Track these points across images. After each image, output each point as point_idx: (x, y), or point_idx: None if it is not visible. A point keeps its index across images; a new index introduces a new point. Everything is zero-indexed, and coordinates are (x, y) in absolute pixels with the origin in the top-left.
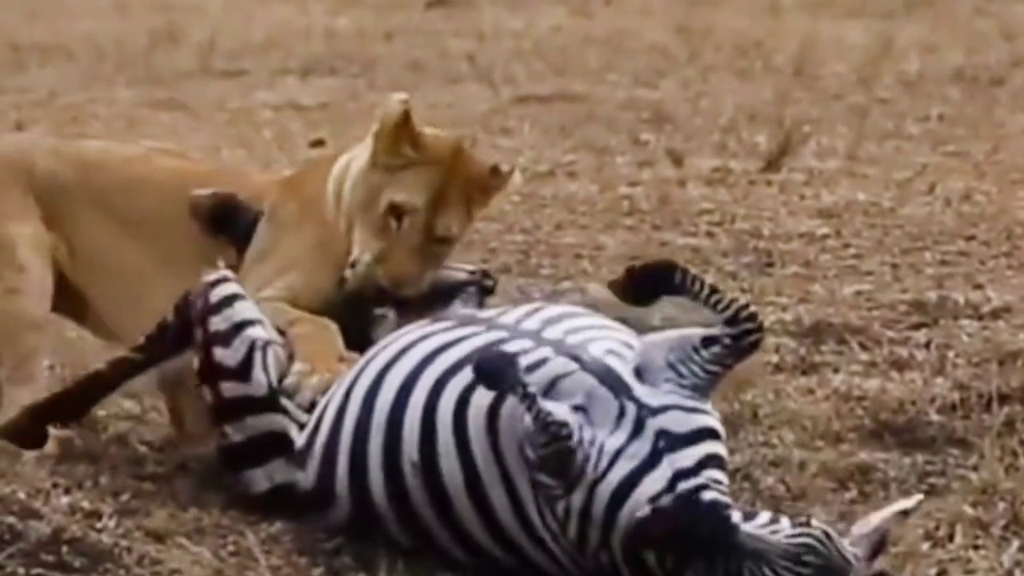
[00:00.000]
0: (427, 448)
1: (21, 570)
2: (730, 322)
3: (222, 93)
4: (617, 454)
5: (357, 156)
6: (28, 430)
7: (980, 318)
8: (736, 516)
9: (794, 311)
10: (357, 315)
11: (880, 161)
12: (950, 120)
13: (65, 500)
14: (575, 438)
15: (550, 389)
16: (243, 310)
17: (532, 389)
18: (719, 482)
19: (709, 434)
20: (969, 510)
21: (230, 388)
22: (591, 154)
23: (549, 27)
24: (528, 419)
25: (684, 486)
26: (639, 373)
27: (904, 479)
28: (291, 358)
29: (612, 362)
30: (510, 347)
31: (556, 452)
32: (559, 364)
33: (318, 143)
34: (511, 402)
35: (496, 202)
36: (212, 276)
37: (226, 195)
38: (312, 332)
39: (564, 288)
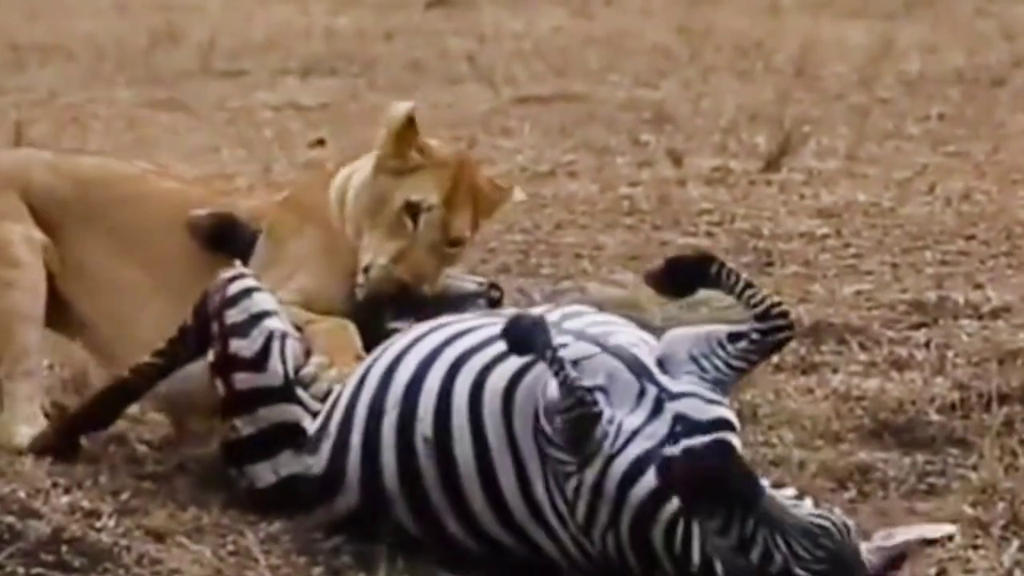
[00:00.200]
0: (441, 426)
1: (21, 569)
2: (761, 317)
3: (222, 93)
4: (634, 433)
5: (359, 168)
6: (58, 444)
7: (980, 318)
8: (765, 481)
9: (794, 311)
10: (373, 328)
11: (880, 161)
12: (950, 120)
13: (65, 499)
14: (600, 406)
15: (579, 363)
16: (261, 301)
17: (561, 353)
18: None
19: (726, 425)
20: (969, 510)
21: (244, 379)
22: (591, 154)
23: (549, 27)
24: (552, 387)
25: None
26: (661, 364)
27: (904, 479)
28: (308, 354)
29: (634, 350)
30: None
31: (580, 417)
32: (581, 347)
33: (318, 143)
34: (527, 383)
35: (499, 215)
36: (230, 272)
37: (224, 214)
38: (331, 328)
39: (564, 288)
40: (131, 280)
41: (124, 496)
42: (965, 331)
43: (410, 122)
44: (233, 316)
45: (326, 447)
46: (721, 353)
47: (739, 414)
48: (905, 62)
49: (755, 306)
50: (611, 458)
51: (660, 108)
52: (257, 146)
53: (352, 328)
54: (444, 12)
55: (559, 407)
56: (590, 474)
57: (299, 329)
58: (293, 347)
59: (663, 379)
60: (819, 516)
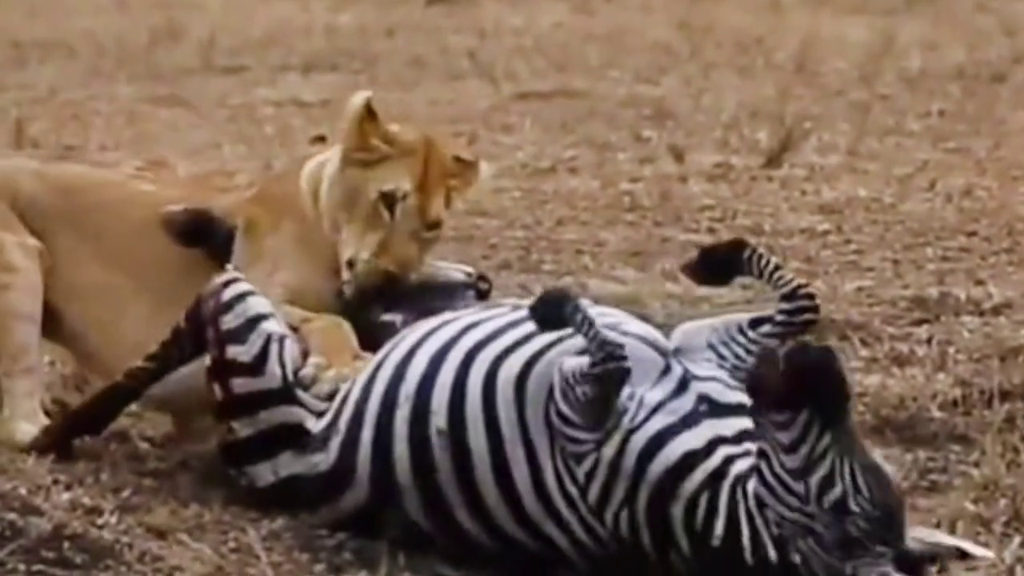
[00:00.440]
0: (456, 417)
1: (22, 566)
2: (787, 297)
3: (223, 89)
4: (657, 407)
5: (329, 159)
6: (52, 447)
7: (981, 314)
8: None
9: None
10: (363, 323)
11: (881, 157)
12: (951, 116)
13: (66, 496)
14: (629, 363)
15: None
16: (256, 305)
17: (591, 314)
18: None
19: (747, 411)
20: (970, 506)
21: (242, 384)
22: (592, 150)
23: (550, 23)
24: (570, 363)
25: (724, 452)
26: (678, 353)
27: (905, 475)
28: (305, 354)
29: (655, 333)
30: None
31: (610, 372)
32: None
33: (319, 139)
34: (538, 371)
35: (472, 192)
36: (224, 277)
37: (199, 210)
38: (326, 327)
39: (565, 284)
40: (115, 284)
41: (125, 493)
42: (966, 327)
43: (369, 112)
44: (229, 321)
45: (335, 444)
46: (741, 339)
47: None
48: (906, 58)
49: (783, 287)
50: (630, 433)
51: (661, 104)
52: (258, 142)
53: (347, 326)
54: (445, 8)
55: (588, 363)
56: (608, 450)
57: (294, 329)
58: (291, 349)
59: (688, 362)
60: (883, 462)
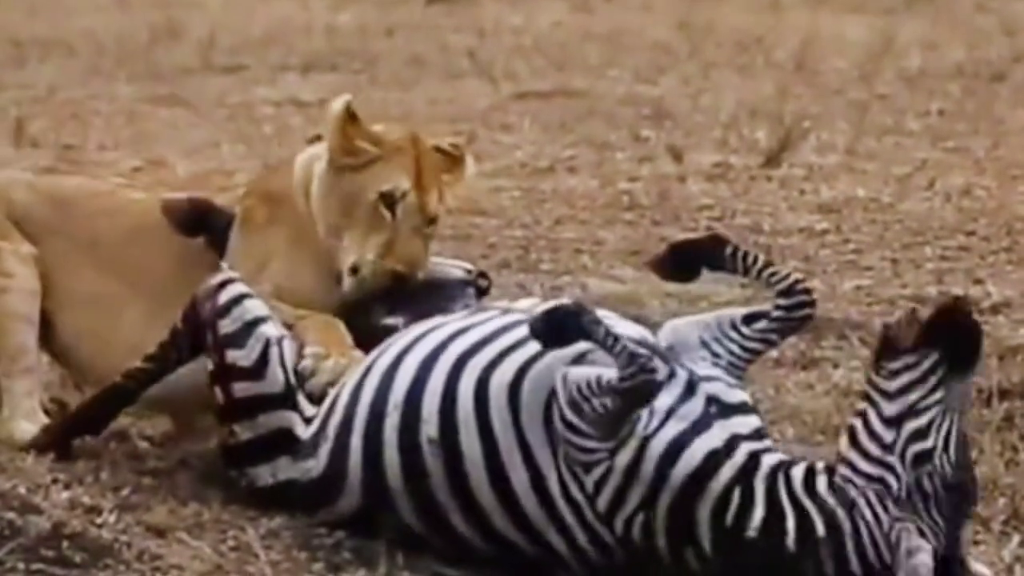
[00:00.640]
0: (447, 425)
1: (21, 565)
2: (785, 293)
3: (222, 89)
4: (669, 413)
5: (319, 155)
6: (52, 446)
7: (980, 313)
8: None
9: None
10: (364, 326)
11: (880, 156)
12: (950, 116)
13: (65, 495)
14: (660, 372)
15: (588, 355)
16: (253, 308)
17: (608, 323)
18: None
19: (751, 408)
20: None
21: (243, 388)
22: (591, 150)
23: (549, 23)
24: (575, 374)
25: (746, 448)
26: (670, 351)
27: None
28: (301, 349)
29: (651, 338)
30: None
31: (642, 384)
32: None
33: (318, 139)
34: (532, 376)
35: (462, 187)
36: (218, 278)
37: (200, 199)
38: (320, 323)
39: (564, 283)
40: (108, 292)
41: (125, 492)
42: None
43: (351, 116)
44: (227, 326)
45: (324, 450)
46: (735, 336)
47: None
48: (905, 58)
49: (778, 283)
50: (646, 439)
51: (660, 104)
52: (257, 142)
53: (340, 324)
54: (444, 8)
55: (616, 376)
56: (623, 458)
57: (289, 327)
58: (289, 348)
59: (688, 363)
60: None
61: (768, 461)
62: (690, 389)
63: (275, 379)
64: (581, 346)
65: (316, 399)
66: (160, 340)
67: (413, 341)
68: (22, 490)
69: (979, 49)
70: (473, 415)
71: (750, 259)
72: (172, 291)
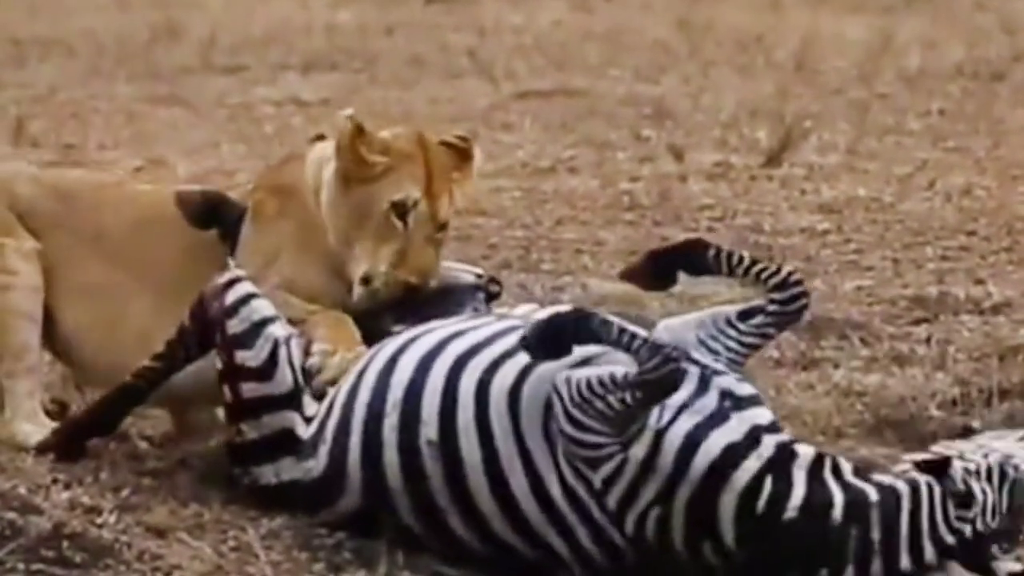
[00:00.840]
0: (447, 427)
1: (21, 565)
2: (780, 287)
3: (223, 89)
4: (682, 408)
5: (328, 158)
6: (63, 448)
7: (981, 313)
8: None
9: None
10: (373, 333)
11: (881, 156)
12: (950, 115)
13: (65, 496)
14: (683, 362)
15: (596, 358)
16: (260, 308)
17: (621, 322)
18: None
19: (760, 401)
20: None
21: (251, 389)
22: (592, 149)
23: (550, 22)
24: (577, 376)
25: (773, 440)
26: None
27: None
28: (309, 346)
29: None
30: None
31: (668, 374)
32: None
33: (319, 139)
34: (532, 381)
35: (471, 185)
36: (225, 277)
37: (213, 191)
38: (330, 319)
39: (565, 283)
40: (113, 284)
41: (125, 492)
42: (966, 327)
43: (358, 130)
44: (235, 327)
45: (323, 451)
46: (732, 332)
47: None
48: (905, 57)
49: (769, 278)
50: (660, 433)
51: (661, 103)
52: (257, 142)
53: (350, 320)
54: (444, 7)
55: (637, 369)
56: (638, 450)
57: (299, 323)
58: (297, 348)
59: (698, 357)
60: None
61: (806, 450)
62: (703, 383)
63: (283, 380)
64: (581, 352)
65: (322, 396)
66: (168, 338)
67: (408, 342)
68: (22, 490)
69: (979, 48)
70: (473, 420)
71: (735, 259)
72: (178, 283)
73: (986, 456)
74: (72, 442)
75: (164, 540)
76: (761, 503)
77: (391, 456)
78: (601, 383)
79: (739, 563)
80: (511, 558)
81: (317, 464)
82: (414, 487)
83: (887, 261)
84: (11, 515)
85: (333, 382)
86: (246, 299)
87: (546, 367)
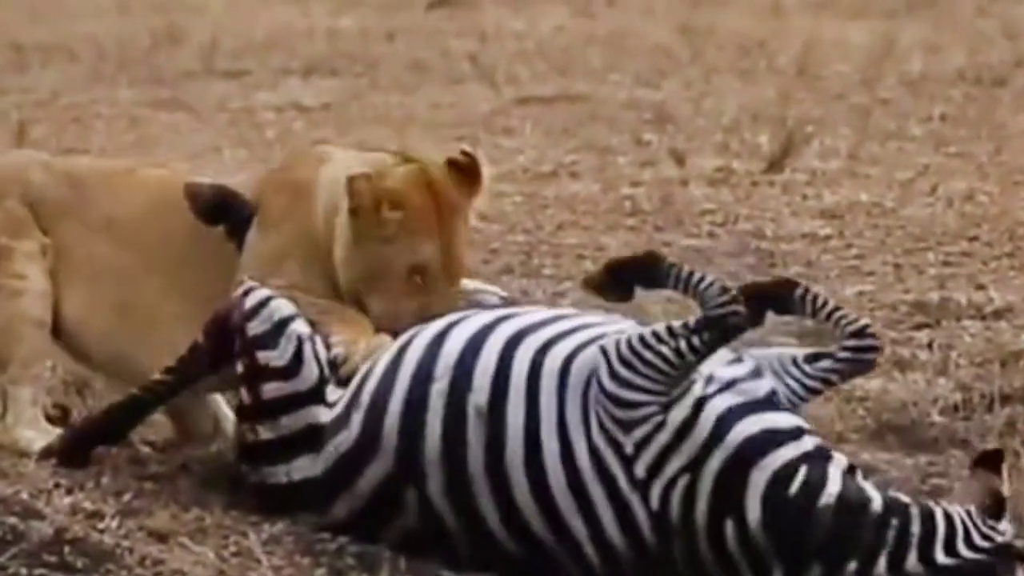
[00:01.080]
0: (497, 395)
1: (23, 570)
2: (856, 335)
3: (224, 93)
4: (730, 383)
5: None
6: (68, 454)
7: (983, 319)
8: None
9: None
10: None
11: (883, 161)
12: (953, 120)
13: (67, 500)
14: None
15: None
16: (280, 308)
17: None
18: None
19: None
20: None
21: (274, 388)
22: (593, 154)
23: (551, 27)
24: (624, 341)
25: (814, 441)
26: None
27: (906, 480)
28: (326, 340)
29: None
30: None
31: (732, 314)
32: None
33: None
34: (578, 364)
35: (484, 195)
36: (241, 288)
37: (224, 187)
38: (341, 313)
39: (566, 288)
40: (124, 268)
41: (126, 497)
42: (968, 332)
43: (366, 178)
44: (256, 327)
45: (356, 419)
46: (796, 373)
47: None
48: (907, 62)
49: (848, 324)
50: (703, 400)
51: (662, 108)
52: (259, 147)
53: (362, 315)
54: (446, 12)
55: (708, 308)
56: (677, 414)
57: (311, 323)
58: (320, 344)
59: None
60: None
61: (842, 459)
62: (756, 373)
63: (309, 375)
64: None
65: (347, 384)
66: (180, 355)
67: (453, 323)
68: (24, 495)
69: (981, 54)
70: (524, 394)
71: (819, 302)
72: (188, 269)
73: None
74: (77, 449)
75: (166, 545)
76: (795, 487)
77: (433, 421)
78: (656, 335)
79: (760, 550)
80: (529, 548)
81: (349, 434)
82: (450, 453)
83: (889, 266)
84: (13, 520)
85: (361, 367)
86: (265, 301)
87: (593, 350)
